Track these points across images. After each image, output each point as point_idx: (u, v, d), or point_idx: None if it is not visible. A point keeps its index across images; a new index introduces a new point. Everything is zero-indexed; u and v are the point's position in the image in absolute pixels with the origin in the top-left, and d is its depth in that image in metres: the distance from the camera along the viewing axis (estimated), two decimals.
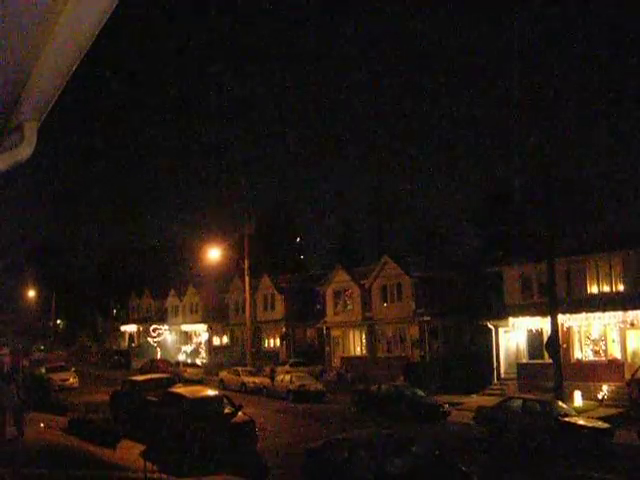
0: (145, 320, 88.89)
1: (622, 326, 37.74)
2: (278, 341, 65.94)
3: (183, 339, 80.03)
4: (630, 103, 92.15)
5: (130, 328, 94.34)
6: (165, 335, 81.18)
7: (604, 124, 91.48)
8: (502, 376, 43.96)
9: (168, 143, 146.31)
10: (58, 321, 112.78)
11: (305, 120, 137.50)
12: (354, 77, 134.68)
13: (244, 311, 60.18)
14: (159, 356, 73.94)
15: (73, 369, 53.14)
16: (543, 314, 38.38)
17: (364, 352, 56.31)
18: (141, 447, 21.63)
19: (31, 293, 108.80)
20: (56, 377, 48.65)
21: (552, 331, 35.38)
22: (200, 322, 77.22)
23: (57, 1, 2.59)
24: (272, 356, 63.47)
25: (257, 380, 47.82)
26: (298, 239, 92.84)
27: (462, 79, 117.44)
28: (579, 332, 40.26)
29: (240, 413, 26.26)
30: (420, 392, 36.83)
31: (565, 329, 39.19)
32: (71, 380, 49.83)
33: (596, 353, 39.60)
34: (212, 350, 75.42)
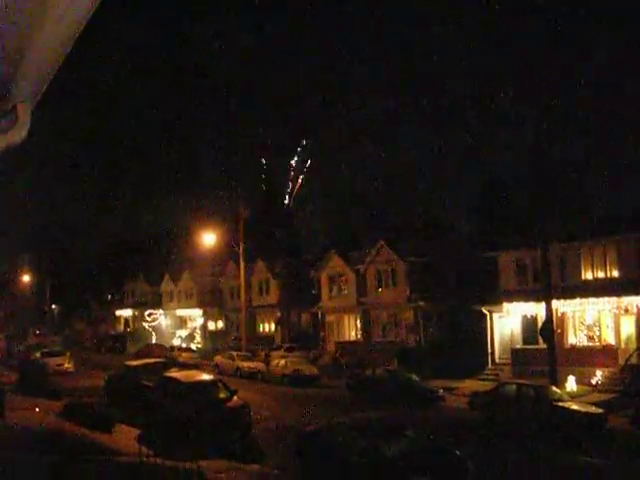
0: (140, 305, 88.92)
1: (616, 312, 37.86)
2: (273, 326, 66.03)
3: (178, 324, 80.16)
4: (629, 87, 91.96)
5: (125, 313, 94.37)
6: (160, 320, 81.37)
7: (601, 108, 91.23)
8: (496, 361, 44.10)
9: (163, 128, 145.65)
10: (53, 306, 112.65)
11: (303, 102, 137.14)
12: (350, 53, 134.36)
13: (239, 296, 60.22)
14: (154, 341, 74.07)
15: (68, 354, 53.10)
16: (538, 299, 38.44)
17: (359, 337, 56.42)
18: (136, 432, 21.65)
19: (26, 278, 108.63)
20: (51, 362, 48.57)
21: (546, 316, 35.45)
22: (195, 307, 77.26)
23: None
24: (267, 341, 63.56)
25: (252, 365, 47.89)
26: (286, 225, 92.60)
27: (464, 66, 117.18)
28: (573, 318, 40.38)
29: (235, 397, 26.31)
30: (414, 377, 36.92)
31: (559, 315, 39.29)
32: (66, 365, 49.79)
33: (590, 339, 39.73)
34: (207, 335, 75.51)
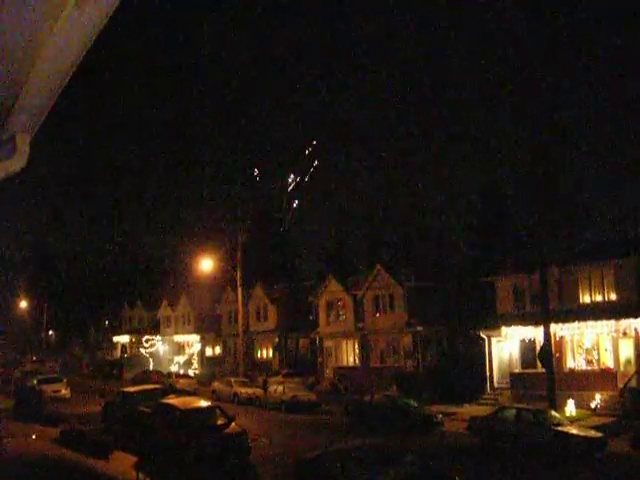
0: (138, 331, 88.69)
1: (615, 335, 37.82)
2: (271, 351, 65.83)
3: (176, 350, 79.86)
4: (625, 111, 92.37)
5: (123, 339, 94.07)
6: (158, 346, 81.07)
7: (598, 133, 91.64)
8: (495, 385, 43.97)
9: (163, 153, 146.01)
10: (50, 332, 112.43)
11: (299, 124, 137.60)
12: (337, 79, 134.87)
13: (237, 321, 60.10)
14: (152, 367, 73.77)
15: (65, 380, 52.84)
16: (536, 323, 38.44)
17: (357, 362, 56.23)
18: (134, 458, 21.59)
19: (23, 304, 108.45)
20: (48, 388, 48.36)
21: (545, 340, 35.43)
22: (193, 333, 77.02)
23: (49, 15, 2.58)
24: (265, 366, 63.35)
25: (250, 391, 47.67)
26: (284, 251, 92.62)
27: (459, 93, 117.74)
28: (572, 341, 40.32)
29: (233, 424, 26.20)
30: (413, 402, 36.77)
31: (558, 338, 39.24)
32: (63, 391, 49.55)
33: (589, 362, 39.66)
34: (205, 361, 75.26)
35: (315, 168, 79.89)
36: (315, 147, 79.35)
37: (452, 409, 40.30)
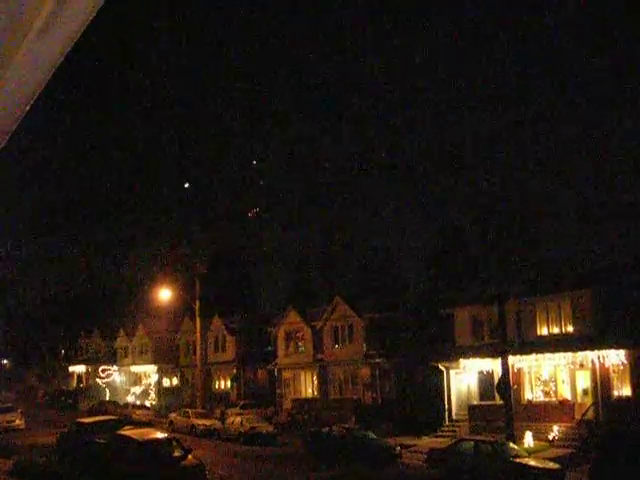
0: (94, 360, 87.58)
1: (572, 367, 38.12)
2: (229, 383, 65.40)
3: (133, 380, 79.02)
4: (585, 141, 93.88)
5: (79, 368, 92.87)
6: (114, 376, 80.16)
7: (555, 165, 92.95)
8: (454, 417, 44.02)
9: (122, 181, 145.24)
10: (5, 361, 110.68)
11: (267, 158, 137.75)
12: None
13: (195, 352, 59.65)
14: (108, 397, 72.91)
15: (19, 410, 52.03)
16: (494, 355, 38.65)
17: (315, 394, 56.05)
18: None
19: None
20: (1, 418, 47.62)
21: (503, 372, 35.64)
22: (150, 363, 76.25)
23: (15, 35, 2.54)
24: (223, 398, 62.87)
25: (207, 422, 47.28)
26: (244, 282, 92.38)
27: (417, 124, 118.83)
28: (529, 373, 40.57)
29: (190, 456, 25.95)
30: (371, 434, 36.67)
31: (516, 370, 39.43)
32: (17, 422, 48.81)
33: (546, 394, 39.89)
34: (162, 392, 74.51)
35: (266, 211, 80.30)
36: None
37: (411, 441, 40.25)
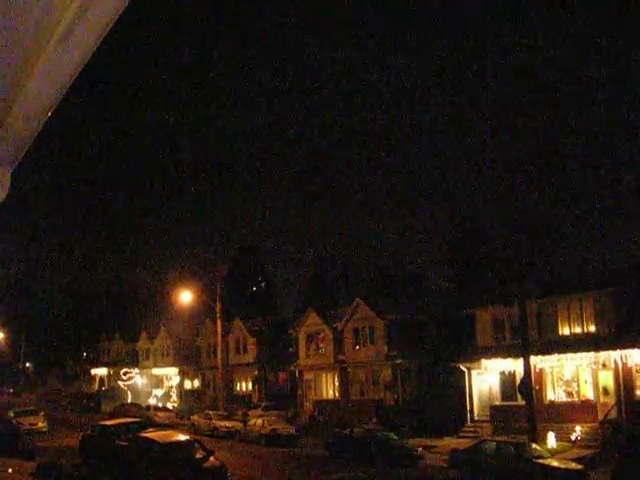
0: (116, 363, 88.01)
1: (594, 367, 37.87)
2: (250, 385, 65.48)
3: (154, 383, 79.27)
4: (605, 144, 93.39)
5: (100, 371, 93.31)
6: (136, 378, 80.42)
7: (579, 165, 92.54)
8: (475, 418, 43.86)
9: (140, 186, 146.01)
10: (27, 364, 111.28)
11: (279, 163, 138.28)
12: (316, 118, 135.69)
13: (216, 354, 59.74)
14: (130, 400, 73.12)
15: (42, 413, 52.26)
16: (515, 356, 38.47)
17: (337, 395, 55.98)
18: None
19: (0, 335, 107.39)
20: (25, 421, 47.77)
21: (524, 373, 35.45)
22: (171, 365, 76.48)
23: (36, 43, 2.57)
24: (244, 400, 62.95)
25: (229, 424, 47.32)
26: (263, 284, 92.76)
27: (436, 120, 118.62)
28: (551, 373, 40.34)
29: (212, 458, 25.98)
30: (393, 435, 36.61)
31: (537, 370, 39.23)
32: (40, 424, 48.98)
33: (569, 394, 39.67)
34: (183, 394, 74.69)
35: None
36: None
37: (432, 442, 40.15)
